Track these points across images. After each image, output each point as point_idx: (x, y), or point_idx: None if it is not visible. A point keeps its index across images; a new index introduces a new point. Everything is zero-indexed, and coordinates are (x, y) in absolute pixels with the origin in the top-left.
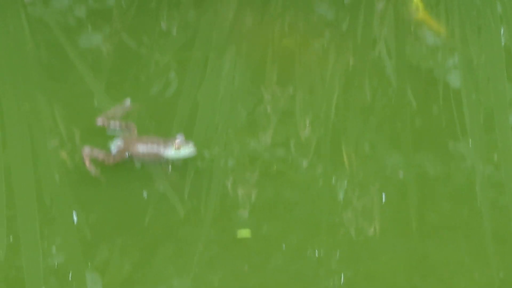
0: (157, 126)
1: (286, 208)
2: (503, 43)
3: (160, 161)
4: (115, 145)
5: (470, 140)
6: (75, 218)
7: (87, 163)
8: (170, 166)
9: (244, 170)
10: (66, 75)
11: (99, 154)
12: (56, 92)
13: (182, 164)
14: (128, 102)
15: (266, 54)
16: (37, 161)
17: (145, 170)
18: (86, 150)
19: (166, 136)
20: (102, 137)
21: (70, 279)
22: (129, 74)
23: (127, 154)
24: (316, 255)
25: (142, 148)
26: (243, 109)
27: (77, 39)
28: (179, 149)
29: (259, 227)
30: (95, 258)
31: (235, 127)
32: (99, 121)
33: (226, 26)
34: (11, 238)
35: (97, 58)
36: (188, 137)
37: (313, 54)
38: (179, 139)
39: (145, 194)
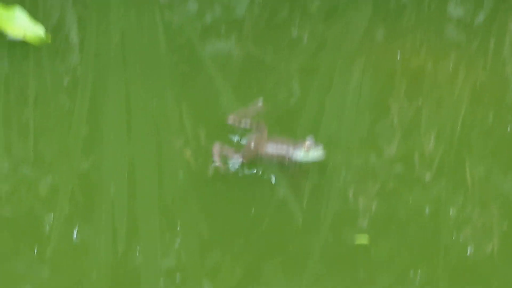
0: (284, 129)
1: (402, 222)
2: None
3: (287, 163)
4: (246, 144)
5: None
6: (193, 219)
7: (217, 158)
8: (295, 169)
9: (365, 181)
10: (195, 76)
11: (229, 151)
12: (184, 92)
13: (305, 169)
14: (260, 102)
15: (395, 67)
16: (161, 159)
17: (268, 175)
18: (217, 147)
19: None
20: (228, 138)
21: (181, 280)
22: (256, 78)
23: (256, 153)
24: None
25: (272, 148)
26: (368, 120)
27: (208, 43)
28: (308, 151)
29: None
30: (208, 261)
31: (359, 137)
32: (231, 119)
33: (357, 37)
34: (129, 234)
35: (226, 62)
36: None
37: (442, 70)
38: (309, 141)
39: (264, 199)
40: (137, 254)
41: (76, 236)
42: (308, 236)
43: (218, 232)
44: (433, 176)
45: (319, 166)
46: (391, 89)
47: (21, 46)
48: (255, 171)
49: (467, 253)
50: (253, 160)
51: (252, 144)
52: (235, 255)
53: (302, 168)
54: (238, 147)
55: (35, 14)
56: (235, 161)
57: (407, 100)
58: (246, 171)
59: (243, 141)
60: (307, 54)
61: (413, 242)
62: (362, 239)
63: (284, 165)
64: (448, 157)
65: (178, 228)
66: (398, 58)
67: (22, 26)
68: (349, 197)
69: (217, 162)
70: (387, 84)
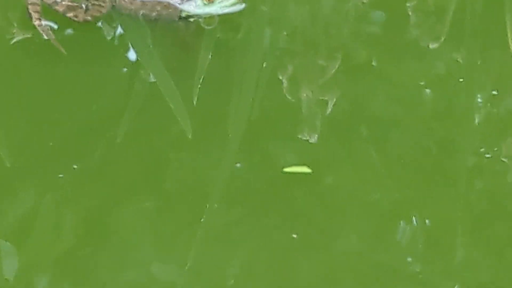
0: None
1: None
2: None
3: (171, 22)
4: None
5: None
6: None
7: (36, 17)
8: (184, 32)
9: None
10: None
11: (60, 1)
12: None
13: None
14: None
15: None
16: None
17: (132, 37)
18: None
19: None
20: None
21: None
22: None
23: (110, 4)
24: None
25: None
26: None
27: None
28: (211, 1)
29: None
30: None
31: None
32: None
33: None
34: None
35: None
36: None
37: None
38: None
39: (128, 79)
40: None
41: None
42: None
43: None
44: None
45: (232, 27)
46: None
47: None
48: (112, 33)
49: None
50: (105, 17)
51: None
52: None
53: (197, 31)
54: None
55: None
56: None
57: None
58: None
59: None
60: None
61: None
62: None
63: (163, 24)
64: None
65: None
66: None
67: None
68: (284, 86)
69: (37, 24)
70: None
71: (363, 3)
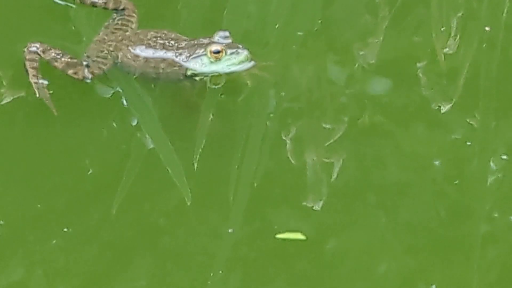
0: (171, 13)
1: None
2: None
3: (176, 80)
4: (94, 44)
5: None
6: None
7: (33, 74)
8: (188, 92)
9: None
10: None
11: (60, 57)
12: None
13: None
14: None
15: None
16: None
17: (130, 98)
18: (34, 48)
19: (193, 34)
20: (60, 27)
21: None
22: None
23: (113, 61)
24: None
25: (145, 51)
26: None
27: None
28: (218, 59)
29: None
30: None
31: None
32: None
33: None
34: None
35: None
36: (236, 37)
37: None
38: (220, 39)
39: (126, 142)
40: None
41: None
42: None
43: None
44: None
45: (233, 87)
46: None
47: None
48: (110, 93)
49: None
50: (106, 75)
51: (106, 42)
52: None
53: (200, 90)
54: (75, 48)
55: None
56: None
57: None
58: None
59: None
60: None
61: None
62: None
63: (166, 83)
64: None
65: None
66: None
67: None
68: (288, 148)
69: (34, 81)
70: None
71: (369, 64)
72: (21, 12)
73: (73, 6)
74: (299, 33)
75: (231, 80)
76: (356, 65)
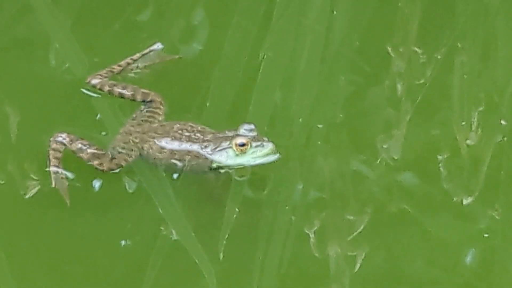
0: (197, 105)
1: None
2: None
3: (200, 172)
4: (120, 135)
5: None
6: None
7: (54, 164)
8: (213, 185)
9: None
10: None
11: (86, 148)
12: None
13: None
14: (158, 46)
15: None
16: None
17: (154, 191)
18: (60, 138)
19: (219, 126)
20: (86, 118)
21: None
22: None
23: (139, 152)
24: None
25: (171, 143)
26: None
27: None
28: (244, 151)
29: None
30: None
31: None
32: (93, 81)
33: None
34: None
35: None
36: (261, 130)
37: None
38: (245, 132)
39: (150, 236)
40: None
41: None
42: None
43: None
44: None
45: (260, 179)
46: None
47: None
48: (133, 185)
49: None
50: (129, 167)
51: (132, 133)
52: None
53: (226, 183)
54: (101, 139)
55: None
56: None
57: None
58: (131, 187)
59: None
60: None
61: None
62: None
63: (189, 175)
64: None
65: None
66: None
67: None
68: (311, 241)
69: (55, 169)
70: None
71: (392, 156)
72: (46, 103)
73: (99, 96)
74: (321, 125)
75: (255, 172)
76: (379, 158)
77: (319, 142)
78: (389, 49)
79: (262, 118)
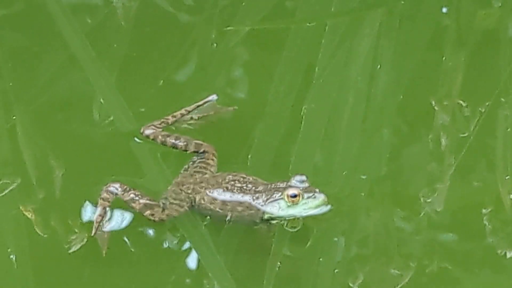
0: (250, 157)
1: None
2: None
3: (251, 223)
4: (173, 186)
5: None
6: None
7: (99, 214)
8: (265, 236)
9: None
10: None
11: (138, 199)
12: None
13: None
14: (214, 97)
15: None
16: None
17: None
18: (113, 188)
19: (261, 177)
20: (128, 173)
21: None
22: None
23: (190, 203)
24: None
25: (223, 194)
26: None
27: None
28: (295, 203)
29: None
30: None
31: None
32: (146, 131)
33: None
34: None
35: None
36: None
37: None
38: (296, 183)
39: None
40: None
41: None
42: None
43: None
44: None
45: (300, 233)
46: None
47: None
48: (175, 241)
49: None
50: (177, 215)
51: (184, 184)
52: None
53: (278, 235)
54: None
55: None
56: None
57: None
58: (174, 242)
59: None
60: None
61: None
62: None
63: (237, 227)
64: None
65: None
66: None
67: None
68: None
69: (100, 218)
70: None
71: (436, 211)
72: (91, 156)
73: (139, 141)
74: (363, 176)
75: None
76: (423, 212)
77: (361, 192)
78: (433, 102)
79: (304, 170)
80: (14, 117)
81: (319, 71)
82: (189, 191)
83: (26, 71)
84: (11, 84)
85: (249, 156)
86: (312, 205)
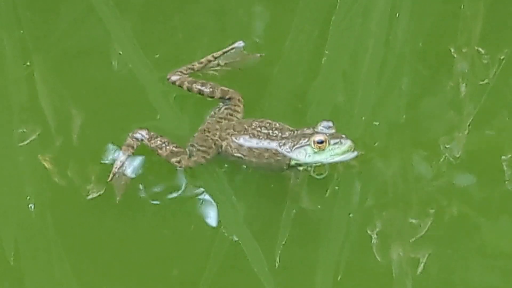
0: (277, 103)
1: None
2: None
3: (278, 170)
4: (199, 133)
5: None
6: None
7: (121, 160)
8: (294, 185)
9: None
10: None
11: (165, 146)
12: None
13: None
14: (240, 44)
15: None
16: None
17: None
18: (139, 134)
19: (294, 123)
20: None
21: None
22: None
23: (217, 150)
24: None
25: (249, 141)
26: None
27: None
28: (322, 149)
29: None
30: None
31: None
32: (173, 77)
33: None
34: None
35: None
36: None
37: None
38: (323, 129)
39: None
40: None
41: None
42: None
43: None
44: None
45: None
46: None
47: None
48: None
49: None
50: (204, 162)
51: (211, 131)
52: None
53: (303, 183)
54: (178, 137)
55: None
56: (179, 165)
57: None
58: (191, 191)
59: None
60: None
61: None
62: None
63: (275, 174)
64: None
65: None
66: None
67: None
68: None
69: (120, 163)
70: None
71: (455, 157)
72: (110, 104)
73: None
74: (380, 123)
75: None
76: (442, 159)
77: (381, 142)
78: (452, 50)
79: (323, 116)
80: (28, 64)
81: (337, 20)
82: (216, 138)
83: (44, 20)
84: (29, 32)
85: (269, 104)
86: (338, 151)
